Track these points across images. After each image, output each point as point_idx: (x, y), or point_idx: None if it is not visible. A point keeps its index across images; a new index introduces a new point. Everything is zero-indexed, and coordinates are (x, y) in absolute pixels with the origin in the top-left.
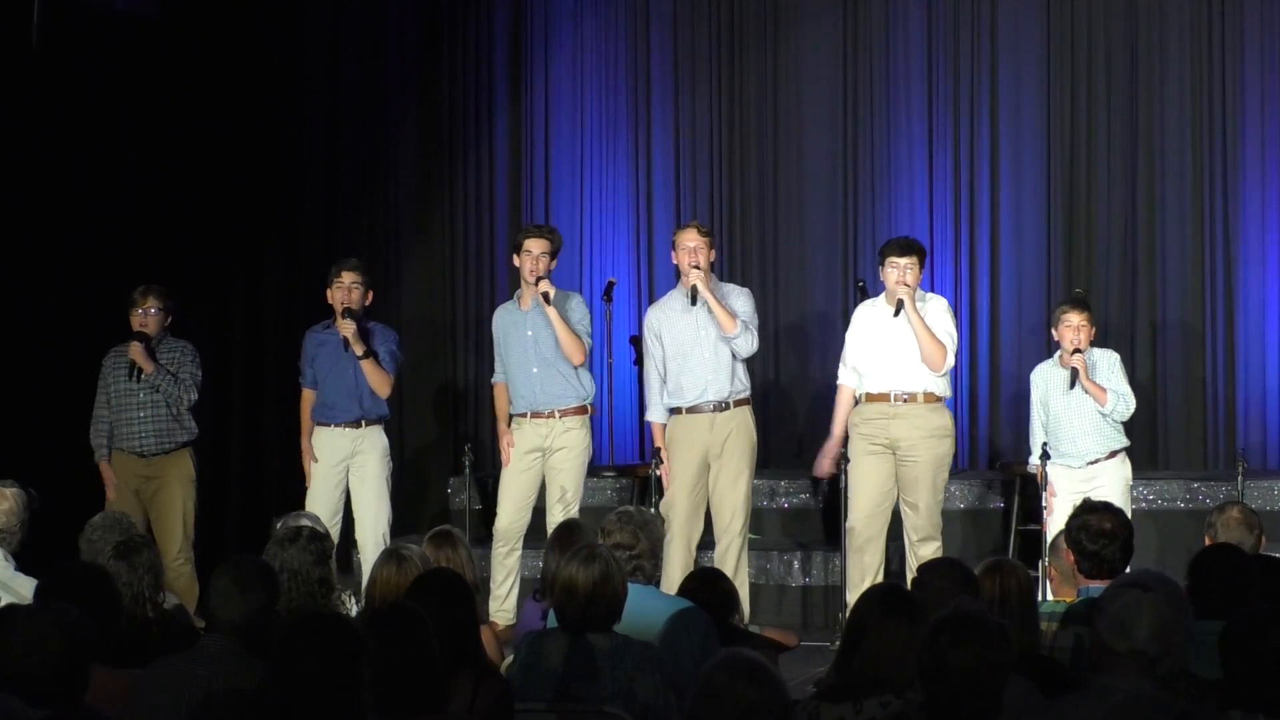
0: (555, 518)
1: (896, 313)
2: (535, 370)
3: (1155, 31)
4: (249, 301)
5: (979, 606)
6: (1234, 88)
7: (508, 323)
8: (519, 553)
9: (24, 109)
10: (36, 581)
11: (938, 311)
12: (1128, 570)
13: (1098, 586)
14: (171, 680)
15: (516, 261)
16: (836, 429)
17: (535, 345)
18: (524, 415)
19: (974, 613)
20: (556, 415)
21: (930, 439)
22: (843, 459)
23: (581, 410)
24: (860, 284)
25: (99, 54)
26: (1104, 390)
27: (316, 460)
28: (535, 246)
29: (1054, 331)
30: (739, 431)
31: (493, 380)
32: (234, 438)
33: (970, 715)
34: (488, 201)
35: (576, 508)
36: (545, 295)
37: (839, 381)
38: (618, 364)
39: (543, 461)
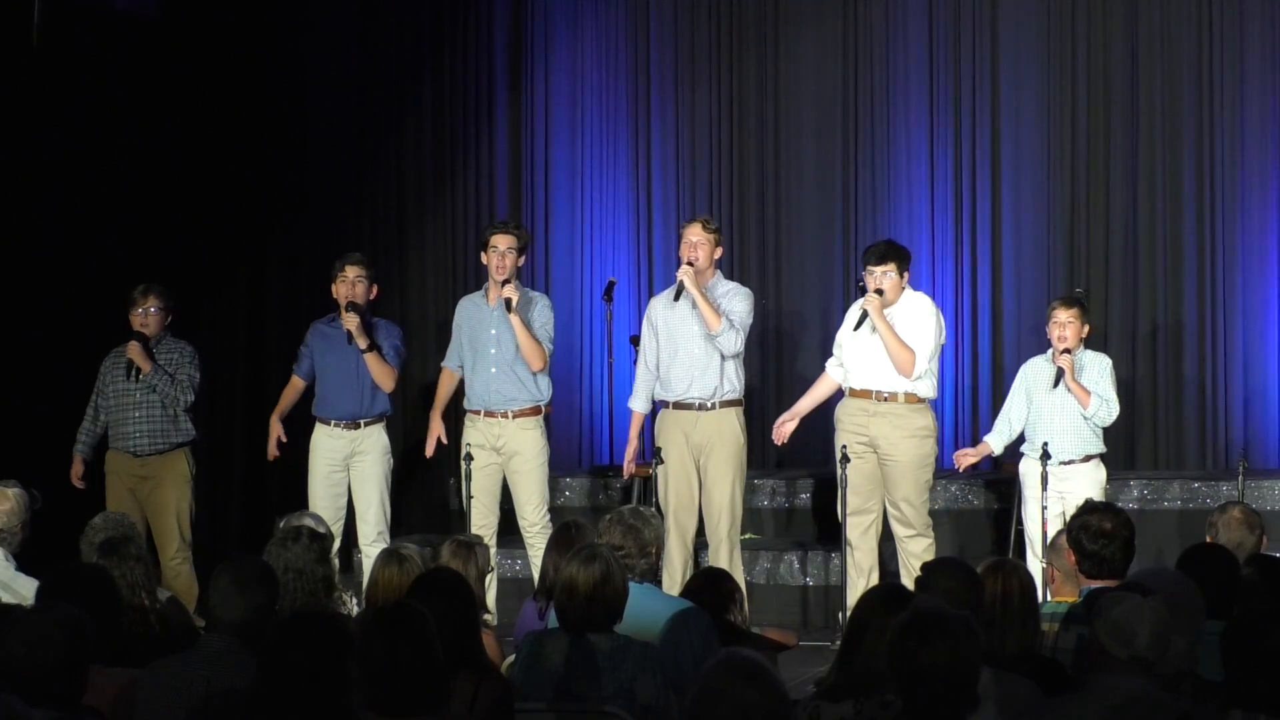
0: (528, 519)
1: (857, 326)
2: (494, 370)
3: (1156, 31)
4: (251, 301)
5: (938, 602)
6: (1234, 88)
7: (472, 316)
8: (494, 549)
9: (24, 109)
10: (37, 582)
11: (918, 314)
12: (1137, 569)
13: (1100, 587)
14: (171, 680)
15: (484, 259)
16: (800, 403)
17: (497, 344)
18: (477, 413)
19: (935, 610)
20: (510, 416)
21: (911, 439)
22: (844, 458)
23: (535, 411)
24: (861, 284)
25: (99, 54)
26: (1088, 393)
27: (283, 439)
28: (502, 243)
29: (1047, 329)
30: (724, 434)
31: (442, 364)
32: (236, 437)
33: (951, 711)
34: (488, 201)
35: (546, 506)
36: (508, 302)
37: (826, 368)
38: (618, 364)
39: (499, 460)
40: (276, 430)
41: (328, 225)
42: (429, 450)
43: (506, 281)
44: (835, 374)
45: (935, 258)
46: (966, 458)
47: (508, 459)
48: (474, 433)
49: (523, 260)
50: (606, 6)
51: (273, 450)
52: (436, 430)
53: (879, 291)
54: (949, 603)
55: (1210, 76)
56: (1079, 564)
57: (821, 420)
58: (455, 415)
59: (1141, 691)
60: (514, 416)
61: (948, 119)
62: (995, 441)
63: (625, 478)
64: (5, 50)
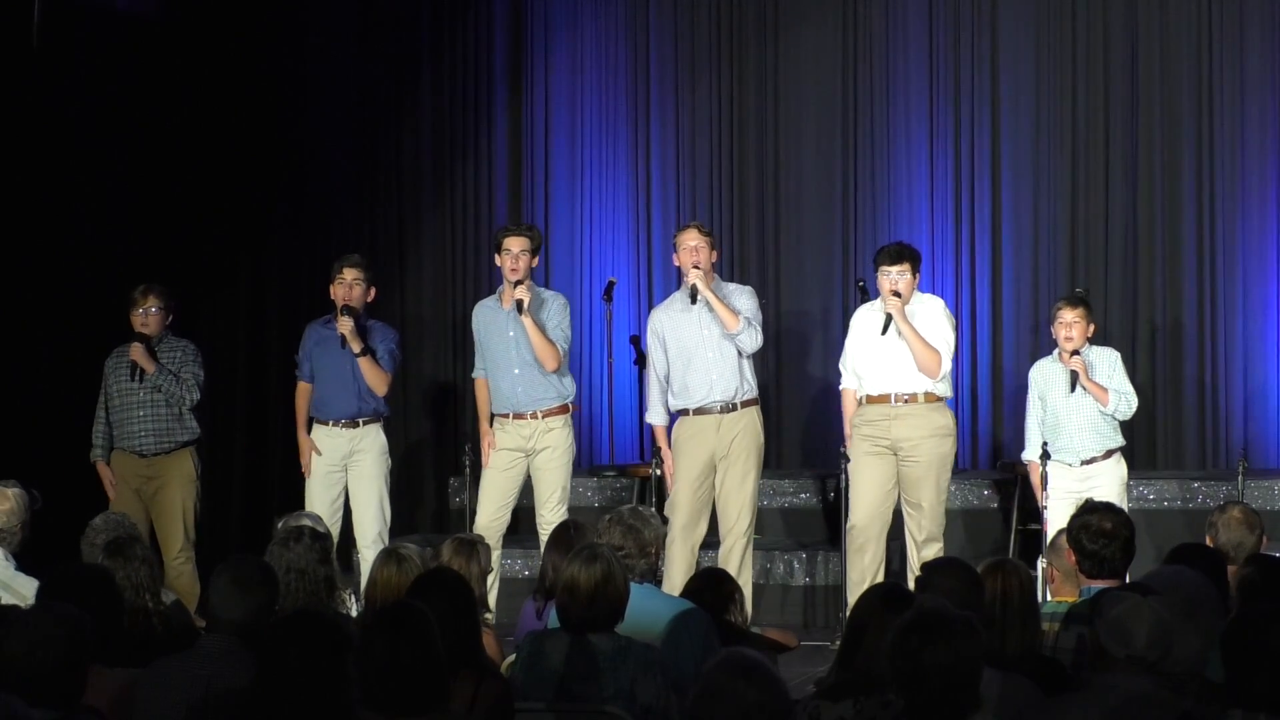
0: (545, 518)
1: (884, 330)
2: (517, 371)
3: (1156, 30)
4: (251, 301)
5: (942, 603)
6: (1234, 87)
7: (488, 321)
8: (499, 551)
9: (24, 109)
10: (37, 582)
11: (934, 314)
12: (1153, 569)
13: (1100, 587)
14: (171, 680)
15: (498, 261)
16: (849, 431)
17: (517, 346)
18: (505, 416)
19: (938, 610)
20: (539, 416)
21: (932, 439)
22: (843, 459)
23: (563, 410)
24: (860, 284)
25: (99, 54)
26: (1105, 390)
27: (319, 453)
28: (515, 245)
29: (1051, 329)
30: (746, 432)
31: (473, 375)
32: (237, 437)
33: (952, 712)
34: (487, 200)
35: (565, 506)
36: (519, 304)
37: (842, 386)
38: (618, 364)
39: (525, 461)
40: (310, 446)
41: (327, 225)
42: (485, 461)
43: (519, 283)
44: (852, 385)
45: (935, 258)
46: (1042, 495)
47: (534, 456)
48: (504, 436)
49: (536, 261)
50: (606, 6)
51: (309, 467)
52: (489, 439)
53: (896, 294)
54: (949, 603)
55: (1210, 75)
56: (1079, 564)
57: (824, 421)
58: (472, 417)
59: (1141, 691)
60: (543, 416)
61: (947, 119)
62: (1035, 454)
63: (670, 490)
64: (5, 50)
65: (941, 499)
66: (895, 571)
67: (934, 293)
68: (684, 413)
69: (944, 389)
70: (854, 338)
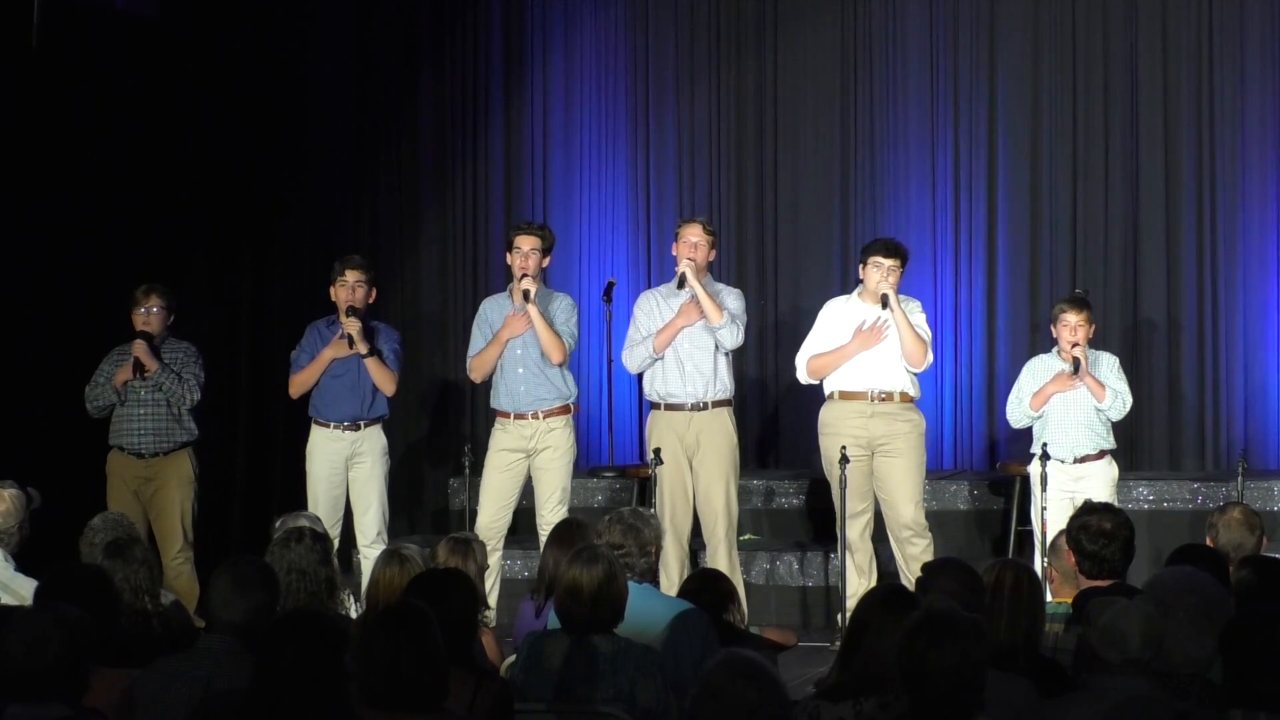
0: (545, 518)
1: (884, 306)
2: (521, 371)
3: (1156, 29)
4: (251, 301)
5: (950, 604)
6: (1234, 86)
7: (495, 317)
8: (499, 552)
9: (24, 109)
10: (36, 582)
11: (915, 311)
12: (1159, 571)
13: (1089, 588)
14: (171, 680)
15: (509, 259)
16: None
17: (523, 345)
18: (507, 415)
19: (946, 611)
20: (540, 416)
21: (910, 436)
22: (842, 460)
23: (565, 410)
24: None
25: (99, 54)
26: (1102, 386)
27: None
28: (525, 243)
29: (1053, 330)
30: (716, 434)
31: (469, 356)
32: (237, 437)
33: (957, 713)
34: (484, 200)
35: (565, 507)
36: (526, 293)
37: (806, 379)
38: (617, 365)
39: (526, 462)
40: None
41: (328, 224)
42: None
43: (526, 276)
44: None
45: (934, 257)
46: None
47: (534, 457)
48: (504, 436)
49: (547, 261)
50: (605, 5)
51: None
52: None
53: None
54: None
55: (1210, 74)
56: (1079, 564)
57: (815, 421)
58: (472, 417)
59: (1139, 692)
60: (544, 416)
61: (946, 118)
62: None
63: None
64: (5, 50)
65: (920, 497)
66: (891, 572)
67: (933, 292)
68: (656, 406)
69: (916, 389)
70: (828, 329)
